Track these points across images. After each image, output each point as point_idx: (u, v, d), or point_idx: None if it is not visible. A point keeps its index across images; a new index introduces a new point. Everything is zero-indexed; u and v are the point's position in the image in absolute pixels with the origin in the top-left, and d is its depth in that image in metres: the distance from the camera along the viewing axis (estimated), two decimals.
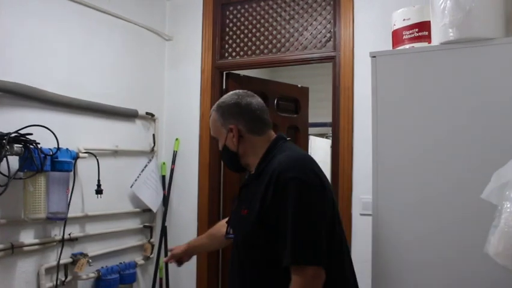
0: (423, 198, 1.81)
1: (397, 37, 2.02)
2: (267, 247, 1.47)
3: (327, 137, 5.20)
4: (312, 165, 1.52)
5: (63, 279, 2.47)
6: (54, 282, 2.41)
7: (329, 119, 2.98)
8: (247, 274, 1.55)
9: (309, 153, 4.03)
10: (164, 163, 3.32)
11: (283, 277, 1.41)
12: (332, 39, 2.92)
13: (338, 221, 1.55)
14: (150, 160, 3.17)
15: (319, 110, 4.55)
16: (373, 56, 1.91)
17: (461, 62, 1.76)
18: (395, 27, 2.04)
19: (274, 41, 3.12)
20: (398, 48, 2.01)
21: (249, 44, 3.21)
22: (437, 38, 1.82)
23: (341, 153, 2.78)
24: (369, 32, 2.74)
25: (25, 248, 2.28)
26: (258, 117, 1.64)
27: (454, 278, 1.75)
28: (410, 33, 1.97)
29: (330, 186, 1.58)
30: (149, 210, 3.13)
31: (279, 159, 1.51)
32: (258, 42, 3.18)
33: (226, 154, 1.67)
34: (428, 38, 1.93)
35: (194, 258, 3.22)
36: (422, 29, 1.95)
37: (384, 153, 1.90)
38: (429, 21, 1.91)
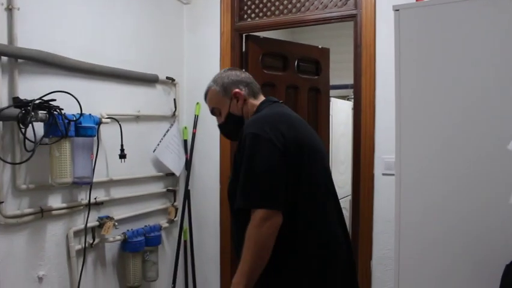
0: (447, 158, 1.79)
1: None
2: None
3: (348, 99, 5.13)
4: (275, 122, 1.63)
5: (91, 241, 2.54)
6: (83, 245, 2.50)
7: (351, 81, 2.93)
8: (232, 224, 1.80)
9: (330, 115, 4.01)
10: (186, 127, 3.34)
11: None
12: None
13: (313, 181, 1.64)
14: (172, 125, 3.19)
15: (340, 71, 4.47)
16: (396, 10, 1.85)
17: (489, 12, 1.69)
18: None
19: (293, 1, 3.05)
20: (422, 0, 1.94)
21: (268, 4, 3.15)
22: None
23: (363, 114, 2.75)
24: None
25: (54, 212, 2.34)
26: (253, 82, 1.88)
27: (478, 236, 1.73)
28: None
29: (307, 144, 1.65)
30: (172, 174, 3.17)
31: (250, 119, 1.73)
32: (277, 3, 3.12)
33: (231, 121, 1.84)
34: None
35: (217, 222, 3.28)
36: None
37: (408, 112, 1.87)
38: None
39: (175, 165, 3.16)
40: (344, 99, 5.21)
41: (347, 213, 4.71)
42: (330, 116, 4.06)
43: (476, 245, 1.74)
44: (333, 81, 3.97)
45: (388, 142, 2.51)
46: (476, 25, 1.72)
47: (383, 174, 2.68)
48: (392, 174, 1.99)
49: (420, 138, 1.85)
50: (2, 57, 2.11)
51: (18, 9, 2.17)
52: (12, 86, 2.16)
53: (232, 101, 1.83)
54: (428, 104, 1.82)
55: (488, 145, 1.70)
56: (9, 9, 2.15)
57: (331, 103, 4.12)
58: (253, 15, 3.20)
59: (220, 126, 1.92)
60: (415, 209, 1.86)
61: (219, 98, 1.86)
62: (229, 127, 1.87)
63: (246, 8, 3.23)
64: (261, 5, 3.17)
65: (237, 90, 1.82)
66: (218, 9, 3.27)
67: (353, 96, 2.95)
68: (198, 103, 3.30)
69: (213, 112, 1.92)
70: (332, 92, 4.16)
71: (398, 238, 1.90)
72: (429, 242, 1.83)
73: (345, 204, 4.69)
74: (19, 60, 2.18)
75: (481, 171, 1.72)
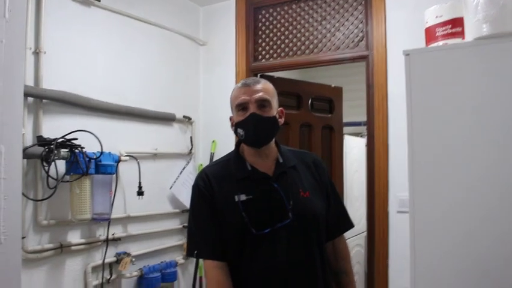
0: (461, 195, 1.80)
1: (430, 34, 2.02)
2: None
3: (361, 136, 5.16)
4: (208, 168, 1.76)
5: (108, 277, 2.57)
6: (100, 280, 2.53)
7: (363, 118, 2.98)
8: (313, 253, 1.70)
9: (344, 153, 4.04)
10: (201, 165, 3.39)
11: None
12: (364, 38, 2.93)
13: (232, 224, 1.59)
14: (188, 162, 3.25)
15: (353, 109, 4.54)
16: (407, 54, 1.91)
17: (496, 57, 1.74)
18: (428, 25, 2.03)
19: (306, 42, 3.15)
20: (431, 45, 2.00)
21: (282, 46, 3.25)
22: (470, 34, 1.81)
23: (377, 151, 2.79)
24: (401, 31, 2.74)
25: (73, 248, 2.39)
26: None
27: (496, 274, 1.73)
28: (443, 30, 1.96)
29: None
30: (188, 210, 3.20)
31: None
32: (290, 44, 3.22)
33: (275, 125, 1.65)
34: (461, 34, 1.92)
35: None
36: (455, 26, 1.94)
37: (420, 150, 1.90)
38: (462, 18, 1.90)
39: None
40: (357, 136, 5.25)
41: (362, 250, 4.68)
42: (344, 153, 4.09)
43: (494, 283, 1.73)
44: (346, 119, 4.02)
45: (402, 180, 2.51)
46: (481, 67, 1.77)
47: (398, 211, 2.68)
48: (407, 212, 2.00)
49: (433, 176, 1.87)
50: (28, 97, 2.22)
51: (45, 52, 2.30)
52: (36, 125, 2.26)
53: (278, 113, 1.69)
54: (439, 142, 1.85)
55: (502, 182, 1.72)
56: (37, 53, 2.27)
57: (344, 140, 4.16)
58: (267, 56, 3.31)
59: (261, 117, 1.61)
60: (430, 248, 1.87)
61: (274, 98, 1.68)
62: (270, 127, 1.64)
63: (260, 49, 3.33)
64: (275, 46, 3.27)
65: (282, 109, 1.73)
66: (233, 50, 3.39)
67: (366, 133, 2.99)
68: (213, 141, 3.37)
69: (261, 102, 1.62)
70: (345, 129, 4.21)
71: (413, 277, 1.90)
72: (445, 281, 1.83)
73: (360, 240, 4.66)
74: (44, 101, 2.29)
75: (495, 207, 1.73)
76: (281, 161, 1.68)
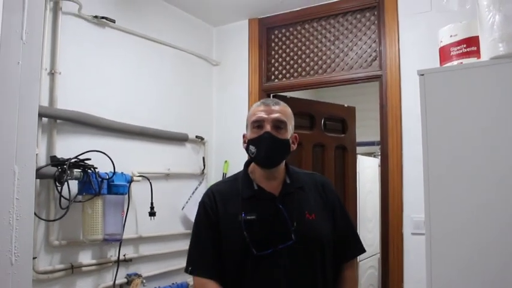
0: (479, 217, 1.76)
1: (444, 54, 2.00)
2: None
3: (375, 156, 5.13)
4: (215, 186, 1.78)
5: None
6: None
7: (376, 138, 2.96)
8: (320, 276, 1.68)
9: (357, 173, 4.01)
10: None
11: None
12: (377, 58, 2.92)
13: (234, 243, 1.60)
14: (200, 182, 3.24)
15: (366, 128, 4.52)
16: (421, 74, 1.89)
17: None
18: (442, 44, 2.02)
19: (319, 62, 3.15)
20: (446, 65, 1.99)
21: (295, 66, 3.25)
22: (486, 53, 1.79)
23: (391, 172, 2.75)
24: (415, 50, 2.73)
25: (84, 268, 2.38)
26: None
27: None
28: (457, 49, 1.95)
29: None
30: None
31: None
32: (303, 64, 3.22)
33: (287, 149, 1.67)
34: (476, 53, 1.90)
35: None
36: (470, 45, 1.92)
37: (435, 171, 1.87)
38: (477, 37, 1.88)
39: None
40: (370, 156, 5.21)
41: (375, 272, 4.61)
42: (357, 173, 4.06)
43: None
44: (359, 138, 4.00)
45: (417, 201, 2.48)
46: (497, 86, 1.75)
47: (413, 233, 2.63)
48: (422, 234, 1.96)
49: (449, 197, 1.84)
50: (43, 118, 2.23)
51: (60, 73, 2.32)
52: (50, 145, 2.27)
53: (291, 138, 1.70)
54: (455, 164, 1.82)
55: None
56: (52, 74, 2.29)
57: (357, 160, 4.13)
58: (280, 76, 3.31)
59: (275, 138, 1.63)
60: (447, 272, 1.82)
61: (291, 122, 1.70)
62: (281, 149, 1.65)
63: (273, 69, 3.34)
64: (287, 66, 3.28)
65: (297, 135, 1.75)
66: (246, 70, 3.40)
67: (379, 153, 2.96)
68: (226, 161, 3.36)
69: (277, 123, 1.65)
70: (358, 149, 4.18)
71: None
72: None
73: (374, 262, 4.59)
74: (58, 121, 2.30)
75: None
76: (288, 181, 1.69)
